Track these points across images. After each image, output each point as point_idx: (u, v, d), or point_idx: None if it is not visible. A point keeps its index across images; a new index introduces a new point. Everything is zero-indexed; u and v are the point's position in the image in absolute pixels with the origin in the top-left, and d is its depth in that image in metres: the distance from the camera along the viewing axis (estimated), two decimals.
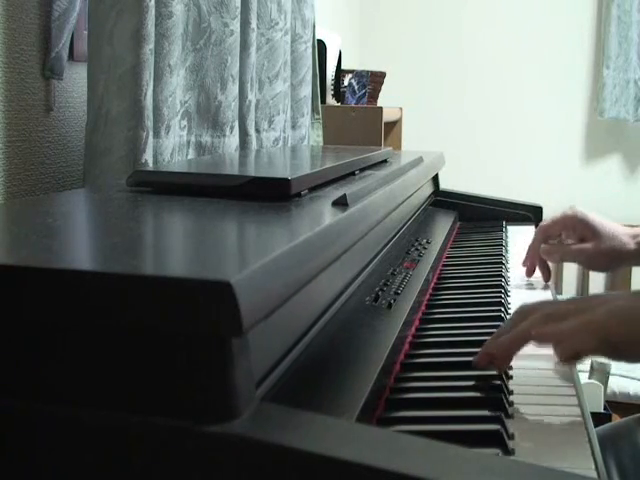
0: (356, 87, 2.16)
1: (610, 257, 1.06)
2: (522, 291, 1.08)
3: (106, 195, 0.83)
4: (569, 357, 0.68)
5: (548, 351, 0.69)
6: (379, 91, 2.25)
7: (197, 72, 1.20)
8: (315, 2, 1.72)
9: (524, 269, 1.14)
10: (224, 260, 0.54)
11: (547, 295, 1.06)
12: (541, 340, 0.69)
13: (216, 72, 1.23)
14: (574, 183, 3.31)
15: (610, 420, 1.69)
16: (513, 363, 0.75)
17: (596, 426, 0.70)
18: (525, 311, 0.72)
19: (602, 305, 0.68)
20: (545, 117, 3.31)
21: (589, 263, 1.09)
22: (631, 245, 1.05)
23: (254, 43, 1.37)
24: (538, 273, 1.14)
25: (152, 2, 0.99)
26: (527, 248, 1.14)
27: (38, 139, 1.03)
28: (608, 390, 2.19)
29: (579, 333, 0.67)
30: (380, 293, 0.83)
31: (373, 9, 3.39)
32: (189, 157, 1.21)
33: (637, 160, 3.30)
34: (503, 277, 1.07)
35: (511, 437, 0.58)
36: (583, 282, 3.27)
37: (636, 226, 1.11)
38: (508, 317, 0.75)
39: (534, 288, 1.11)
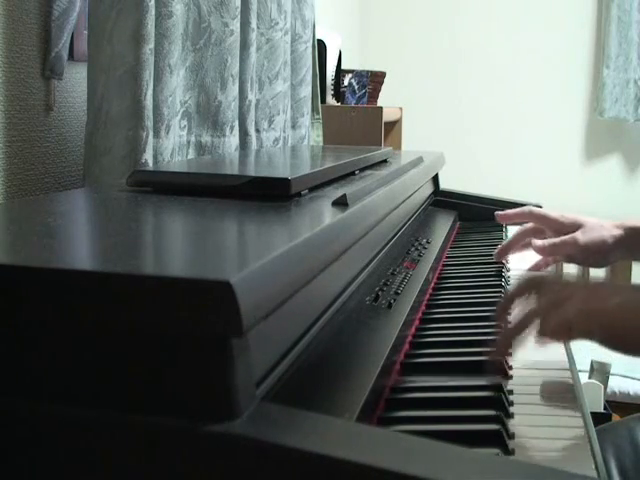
0: (356, 87, 2.16)
1: (599, 246, 1.05)
2: None
3: (106, 195, 0.82)
4: (555, 335, 0.69)
5: (549, 351, 0.69)
6: (379, 91, 2.25)
7: (197, 72, 1.20)
8: (315, 2, 1.72)
9: (524, 269, 1.14)
10: (224, 260, 0.54)
11: None
12: (543, 336, 0.69)
13: (216, 72, 1.23)
14: (574, 183, 3.31)
15: (610, 420, 1.69)
16: (513, 363, 0.75)
17: (596, 426, 0.70)
18: (531, 285, 0.74)
19: (613, 296, 0.68)
20: (545, 117, 3.31)
21: (580, 256, 1.08)
22: (618, 231, 1.05)
23: (254, 43, 1.37)
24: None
25: (152, 2, 0.99)
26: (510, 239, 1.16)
27: (38, 139, 1.03)
28: (608, 390, 2.19)
29: (581, 318, 0.67)
30: (380, 293, 0.83)
31: (373, 9, 3.39)
32: (189, 157, 1.21)
33: (637, 160, 3.30)
34: (503, 277, 1.07)
35: (511, 437, 0.58)
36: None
37: None
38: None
39: None
